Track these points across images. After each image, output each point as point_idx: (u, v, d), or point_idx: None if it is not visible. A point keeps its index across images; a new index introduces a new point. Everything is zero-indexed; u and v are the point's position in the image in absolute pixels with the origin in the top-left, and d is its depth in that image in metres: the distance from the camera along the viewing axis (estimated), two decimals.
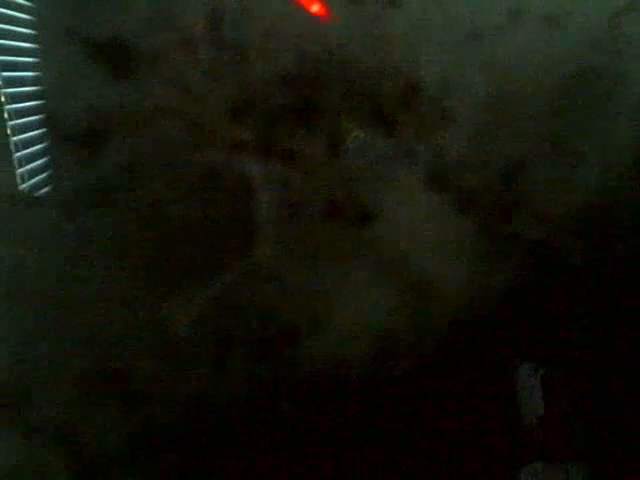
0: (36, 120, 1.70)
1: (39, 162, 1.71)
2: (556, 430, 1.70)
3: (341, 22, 1.67)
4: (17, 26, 1.67)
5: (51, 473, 1.73)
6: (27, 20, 1.67)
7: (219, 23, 1.66)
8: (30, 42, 1.69)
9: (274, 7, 1.67)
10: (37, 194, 1.72)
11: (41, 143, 1.68)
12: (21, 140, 1.69)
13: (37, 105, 1.69)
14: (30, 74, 1.67)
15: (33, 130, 1.71)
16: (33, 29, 1.67)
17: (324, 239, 1.78)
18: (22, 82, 1.68)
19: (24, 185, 1.69)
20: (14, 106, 1.68)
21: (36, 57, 1.67)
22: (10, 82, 1.65)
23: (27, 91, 1.70)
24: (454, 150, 1.76)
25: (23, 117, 1.70)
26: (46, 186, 1.69)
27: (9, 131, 1.66)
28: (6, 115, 1.65)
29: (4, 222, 1.67)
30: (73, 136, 1.66)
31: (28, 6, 1.67)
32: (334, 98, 1.71)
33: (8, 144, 1.66)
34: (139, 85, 1.67)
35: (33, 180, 1.72)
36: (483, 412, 1.83)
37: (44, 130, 1.67)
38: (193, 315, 1.78)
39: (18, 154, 1.69)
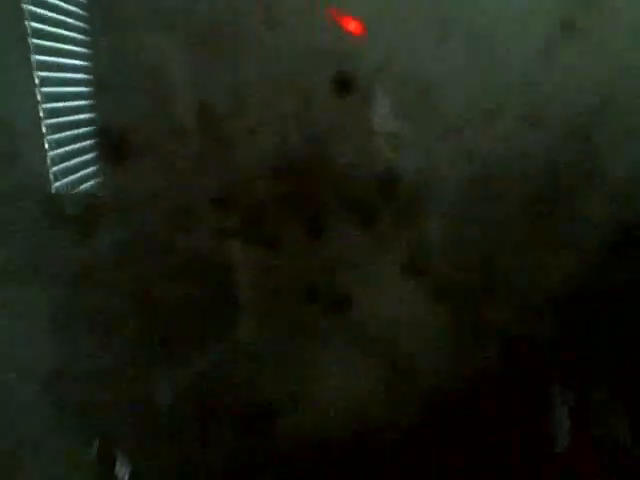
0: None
1: None
2: (586, 455, 1.72)
3: (324, 114, 1.74)
4: None
5: None
6: None
7: (208, 116, 1.74)
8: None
9: (261, 100, 1.74)
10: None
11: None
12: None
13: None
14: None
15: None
16: None
17: (304, 320, 1.84)
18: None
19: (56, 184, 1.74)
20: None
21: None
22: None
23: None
24: (431, 238, 1.82)
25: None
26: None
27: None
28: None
29: None
30: (71, 217, 1.74)
31: None
32: (316, 187, 1.78)
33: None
34: (130, 171, 1.75)
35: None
36: None
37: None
38: (176, 390, 1.85)
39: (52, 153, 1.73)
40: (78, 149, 1.77)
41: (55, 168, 1.74)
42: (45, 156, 1.74)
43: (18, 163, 1.70)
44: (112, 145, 1.77)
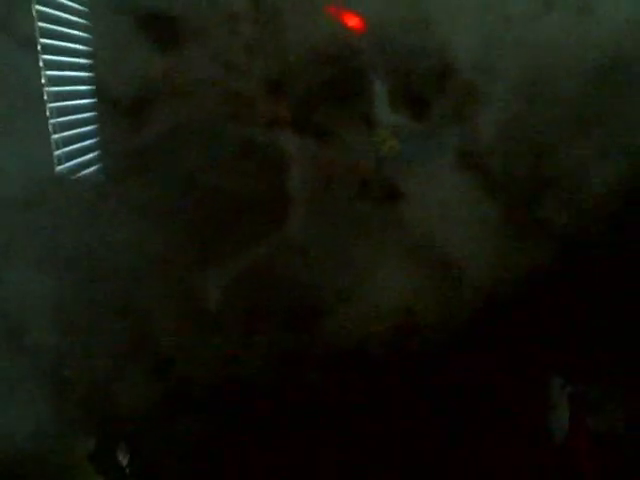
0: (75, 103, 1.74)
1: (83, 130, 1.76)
2: (581, 449, 1.70)
3: (380, 3, 1.71)
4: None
5: (81, 432, 1.77)
6: None
7: (259, 2, 1.71)
8: (80, 13, 1.74)
9: None
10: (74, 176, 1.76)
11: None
12: (59, 122, 1.74)
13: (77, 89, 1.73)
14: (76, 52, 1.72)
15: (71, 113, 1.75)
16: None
17: (354, 216, 1.81)
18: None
19: (61, 167, 1.73)
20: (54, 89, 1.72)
21: (85, 28, 1.72)
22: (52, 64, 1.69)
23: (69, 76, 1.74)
24: (485, 133, 1.79)
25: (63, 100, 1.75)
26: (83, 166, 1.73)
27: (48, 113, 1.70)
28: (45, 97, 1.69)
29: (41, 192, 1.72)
30: (119, 104, 1.71)
31: None
32: (370, 77, 1.75)
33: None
34: (183, 57, 1.72)
35: (70, 162, 1.76)
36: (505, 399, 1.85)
37: (91, 98, 1.71)
38: (224, 285, 1.82)
39: (56, 136, 1.73)
40: None
41: None
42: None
43: None
44: (163, 32, 1.74)
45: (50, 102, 1.68)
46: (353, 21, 1.71)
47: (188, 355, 1.81)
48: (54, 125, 1.72)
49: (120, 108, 1.74)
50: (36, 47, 1.66)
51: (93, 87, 1.73)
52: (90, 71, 1.71)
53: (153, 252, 1.80)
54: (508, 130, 1.81)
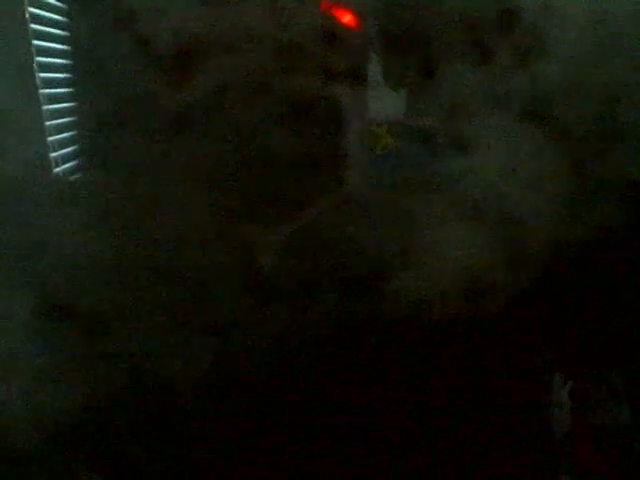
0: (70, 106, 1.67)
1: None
2: (585, 445, 1.62)
3: None
4: None
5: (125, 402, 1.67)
6: None
7: None
8: None
9: None
10: (70, 179, 1.68)
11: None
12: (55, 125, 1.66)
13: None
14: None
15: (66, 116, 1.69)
16: None
17: (419, 172, 1.72)
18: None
19: (57, 169, 1.66)
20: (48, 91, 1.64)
21: None
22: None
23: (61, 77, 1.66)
24: (552, 80, 1.68)
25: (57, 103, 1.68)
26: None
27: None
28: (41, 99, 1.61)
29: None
30: (162, 58, 1.62)
31: None
32: (430, 24, 1.65)
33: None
34: (230, 9, 1.62)
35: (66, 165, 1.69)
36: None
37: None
38: (279, 248, 1.72)
39: (51, 138, 1.65)
40: None
41: None
42: None
43: None
44: None
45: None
46: None
47: (244, 322, 1.71)
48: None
49: (162, 64, 1.64)
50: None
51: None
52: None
53: (201, 216, 1.70)
54: (577, 77, 1.70)
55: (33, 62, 1.55)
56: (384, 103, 1.67)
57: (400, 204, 1.72)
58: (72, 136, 1.70)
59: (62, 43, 1.69)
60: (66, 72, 1.71)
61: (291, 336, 1.72)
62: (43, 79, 1.60)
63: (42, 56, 1.60)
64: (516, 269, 1.76)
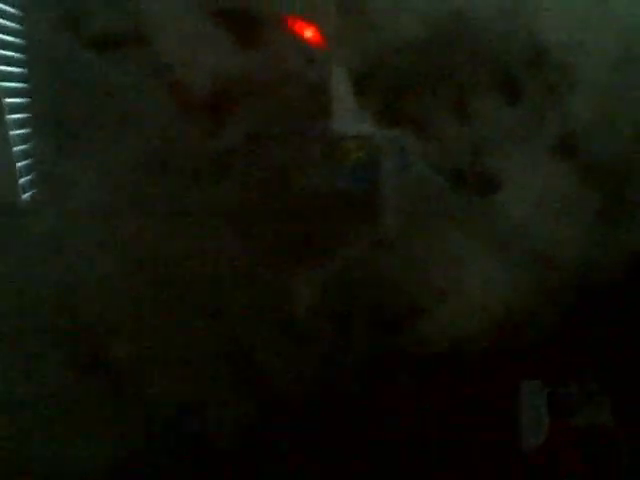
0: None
1: None
2: (566, 449, 1.65)
3: None
4: None
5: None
6: None
7: None
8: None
9: None
10: (37, 206, 1.66)
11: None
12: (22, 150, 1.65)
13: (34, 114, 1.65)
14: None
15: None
16: None
17: (448, 209, 1.73)
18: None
19: (25, 195, 1.65)
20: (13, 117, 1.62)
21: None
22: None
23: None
24: (582, 115, 1.70)
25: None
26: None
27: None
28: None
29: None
30: (197, 104, 1.62)
31: None
32: (461, 64, 1.66)
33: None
34: (264, 52, 1.63)
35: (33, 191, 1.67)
36: None
37: None
38: (315, 289, 1.73)
39: (19, 164, 1.64)
40: None
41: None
42: None
43: None
44: (242, 26, 1.65)
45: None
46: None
47: (281, 366, 1.72)
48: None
49: (197, 107, 1.65)
50: None
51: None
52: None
53: (238, 258, 1.70)
54: (605, 109, 1.72)
55: None
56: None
57: (433, 241, 1.73)
58: None
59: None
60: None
61: (327, 378, 1.73)
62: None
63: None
64: (546, 304, 1.78)
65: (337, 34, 1.66)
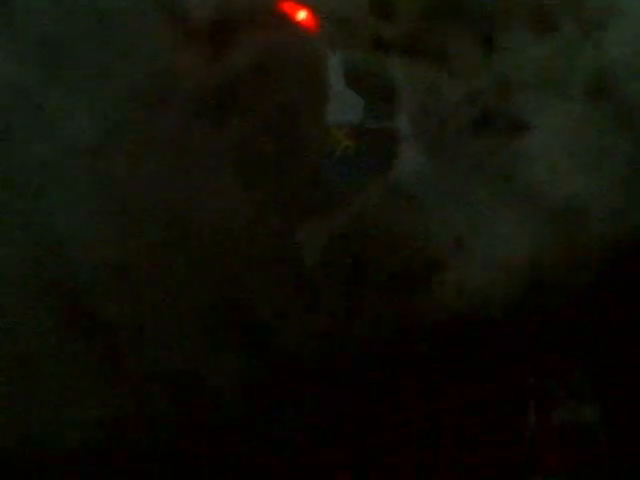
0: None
1: None
2: (550, 444, 1.58)
3: None
4: None
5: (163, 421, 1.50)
6: None
7: None
8: None
9: None
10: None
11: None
12: None
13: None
14: None
15: None
16: None
17: (472, 152, 1.57)
18: None
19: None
20: None
21: None
22: None
23: None
24: (618, 52, 1.55)
25: None
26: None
27: None
28: None
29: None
30: (198, 31, 1.46)
31: None
32: None
33: None
34: None
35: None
36: None
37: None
38: (324, 243, 1.56)
39: None
40: None
41: None
42: None
43: None
44: None
45: None
46: None
47: (286, 325, 1.55)
48: None
49: (198, 35, 1.48)
50: None
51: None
52: None
53: (239, 207, 1.54)
54: None
55: None
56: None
57: (454, 189, 1.57)
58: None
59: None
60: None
61: (334, 338, 1.56)
62: None
63: None
64: (574, 260, 1.62)
65: None
